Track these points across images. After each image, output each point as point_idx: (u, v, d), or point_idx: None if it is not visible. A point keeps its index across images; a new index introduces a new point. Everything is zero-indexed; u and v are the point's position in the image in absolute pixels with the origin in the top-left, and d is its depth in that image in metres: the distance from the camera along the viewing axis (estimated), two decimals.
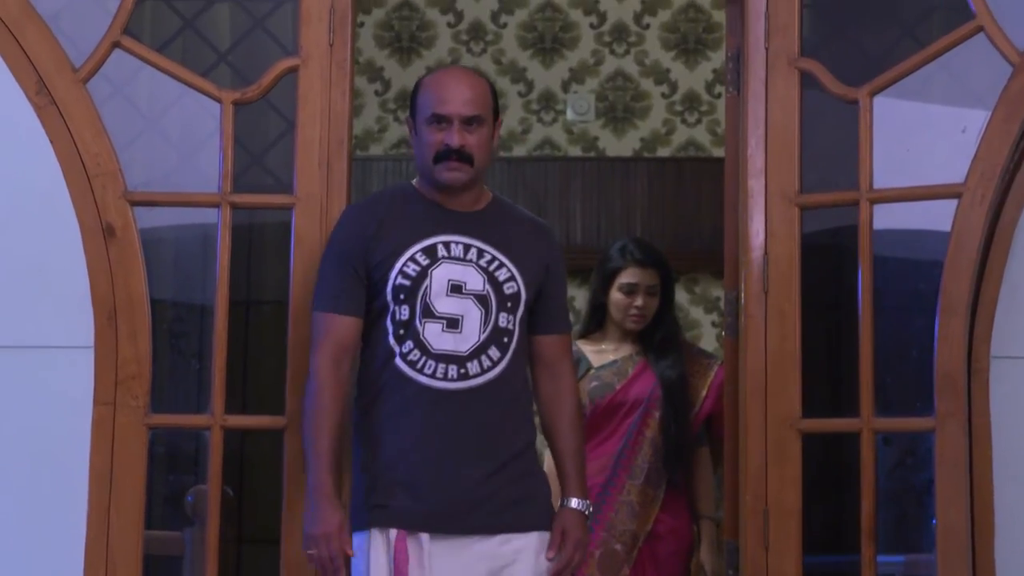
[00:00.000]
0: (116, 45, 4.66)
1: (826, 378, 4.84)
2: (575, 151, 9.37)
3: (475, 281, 4.22)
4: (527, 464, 4.29)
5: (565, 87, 9.45)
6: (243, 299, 5.16)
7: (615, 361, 5.73)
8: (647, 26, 9.39)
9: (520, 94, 9.42)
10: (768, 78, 4.72)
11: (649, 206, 9.16)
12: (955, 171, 4.51)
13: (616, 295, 5.74)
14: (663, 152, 9.34)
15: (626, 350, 5.76)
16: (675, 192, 9.15)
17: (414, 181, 4.38)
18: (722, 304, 5.13)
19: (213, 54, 4.84)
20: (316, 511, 4.07)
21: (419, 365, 4.17)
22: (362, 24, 9.22)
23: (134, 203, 4.59)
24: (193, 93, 4.67)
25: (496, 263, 4.25)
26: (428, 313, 4.18)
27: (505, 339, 4.23)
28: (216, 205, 4.60)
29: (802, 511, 4.56)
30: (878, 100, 4.63)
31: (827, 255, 4.86)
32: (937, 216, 4.58)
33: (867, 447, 4.52)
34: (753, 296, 4.66)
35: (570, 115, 9.42)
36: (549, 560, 4.25)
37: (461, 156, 4.21)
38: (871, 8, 4.87)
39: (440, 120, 4.22)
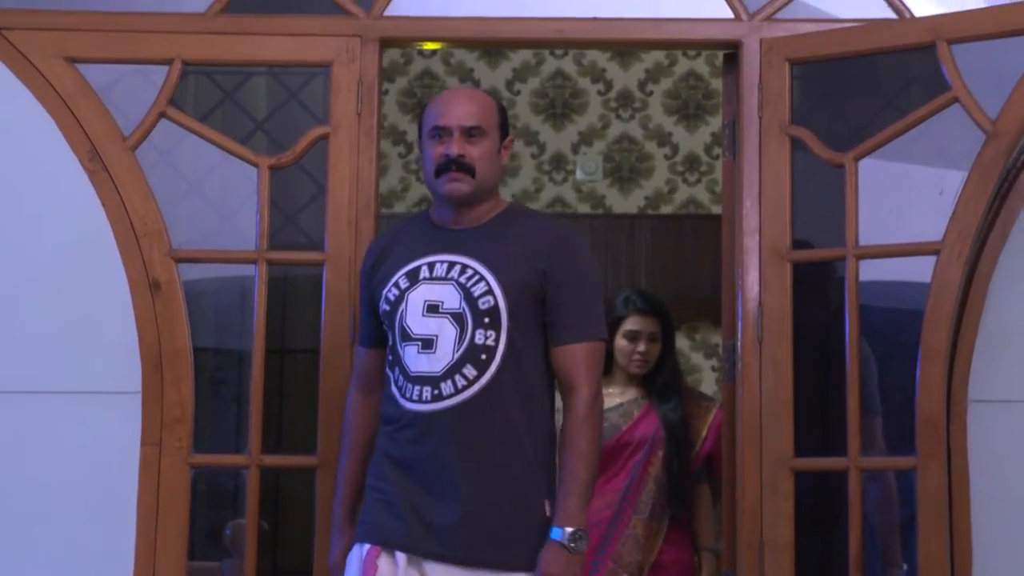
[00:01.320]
0: (162, 115, 4.69)
1: (817, 420, 4.82)
2: (584, 208, 9.38)
3: (452, 299, 3.82)
4: (518, 493, 3.80)
5: (574, 149, 9.46)
6: (278, 347, 5.19)
7: (621, 404, 5.72)
8: (650, 93, 9.41)
9: (533, 156, 9.44)
10: (761, 144, 4.72)
11: (653, 259, 9.16)
12: (934, 229, 4.50)
13: (620, 341, 5.74)
14: (665, 209, 9.35)
15: (631, 393, 5.74)
16: (677, 247, 9.14)
17: (431, 208, 4.08)
18: (721, 351, 5.11)
19: (251, 123, 4.87)
20: (330, 540, 3.98)
21: (403, 390, 3.83)
22: (387, 92, 9.25)
23: (178, 260, 4.61)
24: (232, 159, 4.69)
25: (475, 278, 3.84)
26: (405, 336, 3.84)
27: (483, 356, 3.78)
28: (253, 262, 4.62)
29: (794, 543, 4.54)
30: (863, 164, 4.64)
31: (818, 305, 4.85)
32: (918, 269, 4.58)
33: (854, 484, 4.50)
34: (749, 345, 4.66)
35: (579, 175, 9.43)
36: None
37: (461, 166, 3.87)
38: (855, 80, 4.87)
39: (441, 132, 3.90)
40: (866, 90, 4.89)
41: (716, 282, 5.04)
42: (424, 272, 3.86)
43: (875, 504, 4.70)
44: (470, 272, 3.84)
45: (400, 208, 9.44)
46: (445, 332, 3.79)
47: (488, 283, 3.81)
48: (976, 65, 4.53)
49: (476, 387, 3.76)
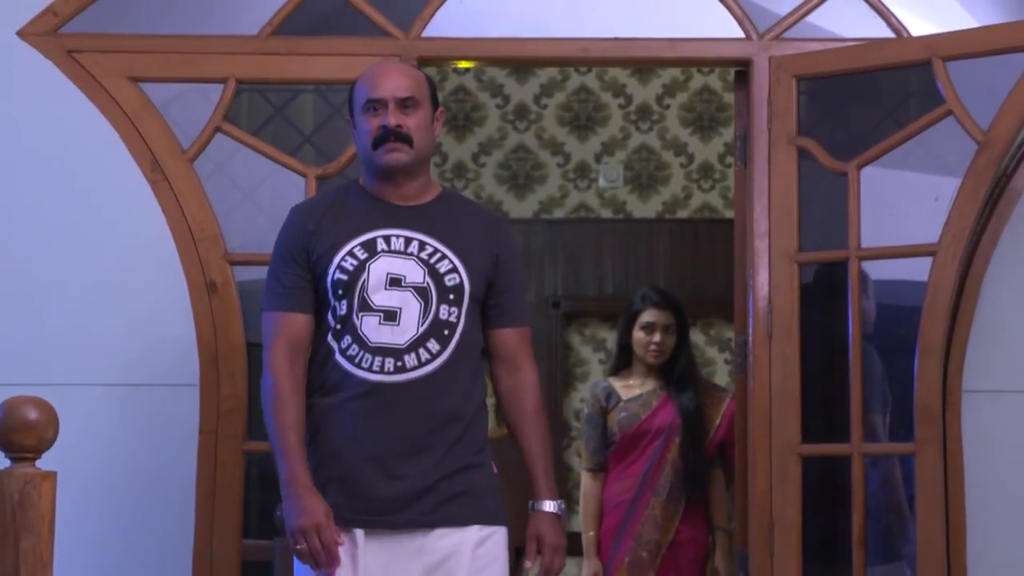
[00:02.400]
0: (218, 130, 4.71)
1: (822, 409, 4.84)
2: (606, 214, 9.38)
3: (415, 274, 3.56)
4: (470, 456, 3.58)
5: (597, 159, 9.45)
6: None
7: (641, 395, 5.73)
8: (667, 106, 9.41)
9: (559, 165, 9.44)
10: (771, 154, 4.73)
11: (670, 261, 9.15)
12: (930, 232, 4.52)
13: (638, 334, 5.76)
14: (682, 214, 9.33)
15: (650, 385, 5.76)
16: (692, 249, 9.12)
17: (359, 179, 3.76)
18: (733, 345, 5.13)
19: (299, 136, 4.87)
20: (300, 503, 3.42)
21: (357, 359, 3.52)
22: None
23: (233, 263, 4.63)
24: (282, 169, 4.70)
25: (438, 255, 3.59)
26: (365, 307, 3.54)
27: (446, 331, 3.56)
28: None
29: (802, 524, 4.57)
30: (864, 172, 4.64)
31: (823, 302, 4.86)
32: (915, 269, 4.60)
33: (857, 468, 4.53)
34: (759, 340, 4.67)
35: (602, 183, 9.42)
36: (528, 567, 3.65)
37: (399, 136, 3.58)
38: (857, 94, 4.86)
39: (375, 104, 3.61)
40: (867, 104, 4.89)
41: (729, 282, 5.05)
42: (381, 244, 3.59)
43: (876, 487, 4.72)
44: (431, 249, 3.60)
45: None
46: (410, 306, 3.54)
47: (452, 262, 3.60)
48: (968, 80, 4.54)
49: (438, 361, 3.54)
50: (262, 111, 4.95)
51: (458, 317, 3.58)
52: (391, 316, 3.53)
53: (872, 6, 4.81)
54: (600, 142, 9.44)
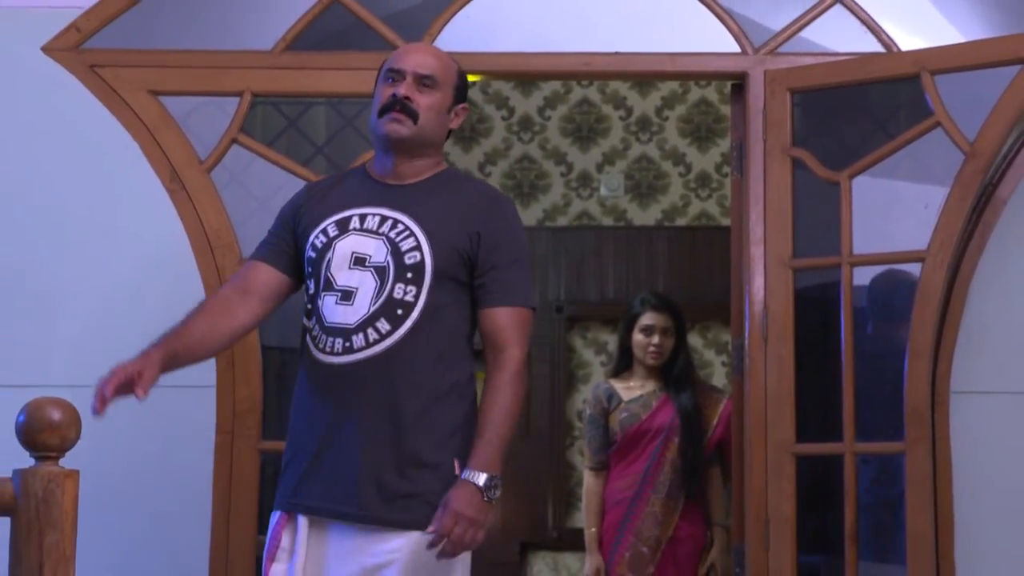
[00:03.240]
0: (234, 141, 4.72)
1: (816, 410, 4.84)
2: (608, 221, 9.37)
3: (379, 253, 3.30)
4: (426, 450, 3.25)
5: (599, 168, 9.44)
6: None
7: (641, 396, 5.74)
8: (666, 118, 9.41)
9: (562, 174, 9.44)
10: (766, 164, 4.73)
11: (669, 266, 9.14)
12: (919, 239, 4.53)
13: (637, 336, 5.76)
14: (680, 222, 9.32)
15: (650, 386, 5.77)
16: (691, 255, 9.11)
17: (368, 161, 3.57)
18: (730, 348, 5.13)
19: (312, 148, 4.87)
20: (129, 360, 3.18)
21: (317, 340, 3.31)
22: None
23: None
24: (296, 179, 4.64)
25: (404, 233, 3.32)
26: (328, 286, 3.31)
27: (399, 311, 3.26)
28: None
29: (796, 519, 4.57)
30: (856, 181, 4.65)
31: (817, 307, 4.86)
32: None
33: (849, 466, 4.53)
34: (755, 343, 4.67)
35: (603, 192, 9.41)
36: (430, 531, 3.18)
37: (404, 108, 3.34)
38: (849, 106, 4.87)
39: (394, 75, 3.40)
40: (859, 116, 4.90)
41: (726, 287, 5.05)
42: (355, 223, 3.36)
43: (868, 484, 4.72)
44: (400, 227, 3.33)
45: None
46: (365, 285, 3.28)
47: (416, 238, 3.31)
48: (956, 93, 4.55)
49: (388, 342, 3.25)
50: (276, 123, 4.95)
51: (416, 296, 3.28)
52: (347, 296, 3.29)
53: (863, 22, 4.81)
54: (601, 152, 9.43)
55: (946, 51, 4.64)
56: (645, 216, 9.37)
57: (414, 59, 3.43)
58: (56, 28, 4.74)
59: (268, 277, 3.42)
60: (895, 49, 4.78)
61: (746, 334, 4.72)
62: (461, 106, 3.50)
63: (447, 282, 3.32)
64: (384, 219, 3.35)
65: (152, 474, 4.58)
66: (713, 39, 4.83)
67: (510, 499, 8.81)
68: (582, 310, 9.22)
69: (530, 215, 9.39)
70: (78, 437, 2.63)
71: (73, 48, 4.74)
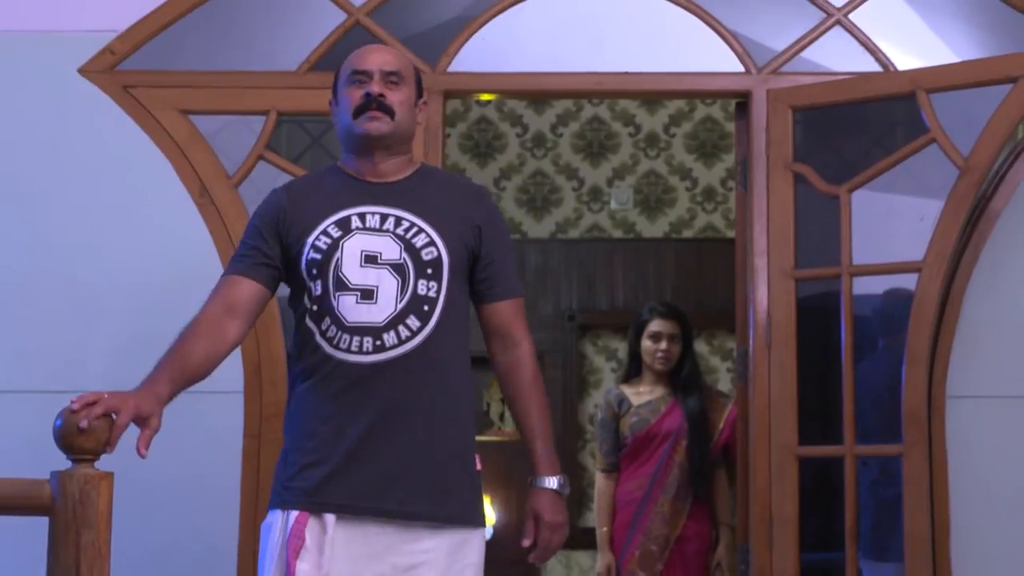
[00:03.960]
0: (260, 157, 4.73)
1: (817, 413, 4.84)
2: (617, 233, 9.37)
3: (391, 251, 3.20)
4: (454, 446, 3.20)
5: (609, 183, 9.44)
6: None
7: (650, 401, 5.75)
8: (673, 135, 9.41)
9: (573, 188, 9.44)
10: (769, 178, 4.73)
11: (676, 277, 9.14)
12: (916, 250, 4.53)
13: (646, 342, 5.78)
14: (687, 234, 9.31)
15: (659, 391, 5.77)
16: (697, 266, 9.10)
17: (339, 161, 3.42)
18: (735, 355, 5.13)
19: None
20: (132, 392, 2.96)
21: (336, 340, 3.16)
22: (448, 135, 9.30)
23: None
24: None
25: (414, 229, 3.23)
26: (341, 286, 3.18)
27: (426, 307, 3.18)
28: None
29: (799, 519, 4.57)
30: (855, 195, 4.65)
31: (817, 315, 4.86)
32: (902, 284, 4.62)
33: (850, 468, 4.53)
34: (759, 350, 4.67)
35: (613, 205, 9.41)
36: (525, 547, 3.22)
37: (381, 105, 3.26)
38: (848, 123, 4.87)
39: (361, 76, 3.30)
40: (857, 132, 4.90)
41: (730, 296, 5.06)
42: (356, 222, 3.24)
43: (867, 486, 4.71)
44: (407, 224, 3.24)
45: None
46: (386, 282, 3.18)
47: (429, 235, 3.23)
48: (950, 111, 4.56)
49: (419, 338, 3.16)
50: (301, 140, 5.00)
51: (438, 292, 3.20)
52: (368, 294, 3.17)
53: (861, 43, 4.81)
54: (611, 167, 9.43)
55: (941, 71, 4.65)
56: (653, 228, 9.37)
57: (377, 58, 3.34)
58: (92, 51, 4.77)
59: (251, 292, 3.26)
60: (892, 69, 4.78)
61: (750, 341, 4.72)
62: (422, 100, 3.44)
63: (459, 276, 3.26)
64: (385, 217, 3.25)
65: (182, 477, 4.57)
66: (718, 59, 4.84)
67: (524, 500, 8.78)
68: (593, 318, 9.22)
69: (543, 228, 9.40)
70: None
71: (108, 70, 4.77)
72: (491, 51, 4.88)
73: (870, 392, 4.63)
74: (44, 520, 2.47)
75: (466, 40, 4.83)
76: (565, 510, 3.27)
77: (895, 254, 4.64)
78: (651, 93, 5.95)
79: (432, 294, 3.19)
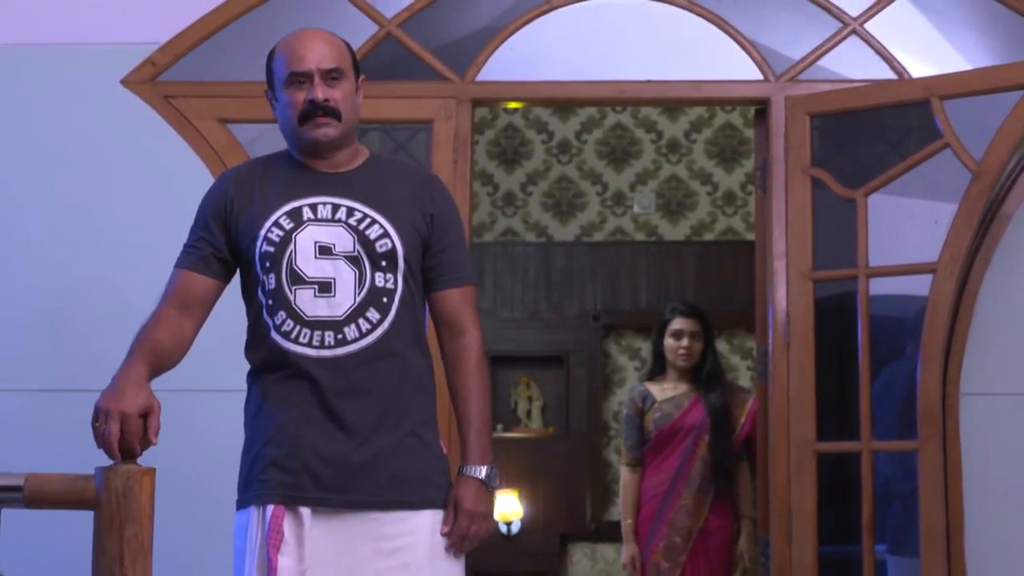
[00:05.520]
0: None
1: (835, 410, 4.83)
2: (640, 237, 9.39)
3: (345, 242, 3.06)
4: (419, 435, 3.09)
5: (632, 188, 9.46)
6: None
7: (674, 397, 5.74)
8: (695, 141, 9.42)
9: (597, 193, 9.46)
10: (787, 183, 4.73)
11: (697, 278, 9.16)
12: (930, 252, 4.52)
13: (668, 340, 5.78)
14: (708, 237, 9.34)
15: (682, 388, 5.77)
16: (718, 268, 9.12)
17: (287, 148, 3.25)
18: (755, 354, 5.12)
19: None
20: (122, 386, 2.80)
21: (293, 335, 3.03)
22: (477, 142, 9.32)
23: None
24: None
25: (367, 221, 3.09)
26: (297, 279, 3.04)
27: (384, 299, 3.06)
28: None
29: (817, 512, 4.56)
30: (871, 199, 4.65)
31: (835, 315, 4.85)
32: (917, 285, 4.60)
33: (866, 463, 4.52)
34: (778, 349, 4.67)
35: (636, 209, 9.43)
36: (444, 535, 3.06)
37: (327, 111, 3.08)
38: (864, 129, 4.87)
39: (300, 78, 3.10)
40: (873, 138, 4.89)
41: (750, 297, 5.06)
42: (308, 213, 3.09)
43: (892, 482, 4.70)
44: (360, 215, 3.10)
45: (488, 238, 9.47)
46: (343, 275, 3.06)
47: (383, 226, 3.10)
48: (963, 117, 4.54)
49: (379, 331, 3.05)
50: None
51: (395, 283, 3.09)
52: (326, 287, 3.05)
53: (877, 51, 4.80)
54: (634, 173, 9.46)
55: (954, 78, 4.63)
56: (675, 232, 9.38)
57: (314, 55, 3.12)
58: (133, 63, 4.79)
59: (204, 287, 3.15)
60: (907, 76, 4.77)
61: (770, 341, 4.72)
62: (361, 79, 3.24)
63: (413, 266, 3.13)
64: (337, 207, 3.11)
65: (221, 472, 4.57)
66: (738, 67, 4.84)
67: (551, 494, 8.81)
68: (617, 319, 9.24)
69: (568, 231, 9.42)
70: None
71: (149, 81, 4.79)
72: (518, 60, 4.88)
73: (898, 394, 4.62)
74: (89, 514, 2.47)
75: (494, 50, 4.84)
76: (490, 502, 3.13)
77: (910, 256, 4.64)
78: (673, 100, 5.95)
79: (390, 286, 3.08)
